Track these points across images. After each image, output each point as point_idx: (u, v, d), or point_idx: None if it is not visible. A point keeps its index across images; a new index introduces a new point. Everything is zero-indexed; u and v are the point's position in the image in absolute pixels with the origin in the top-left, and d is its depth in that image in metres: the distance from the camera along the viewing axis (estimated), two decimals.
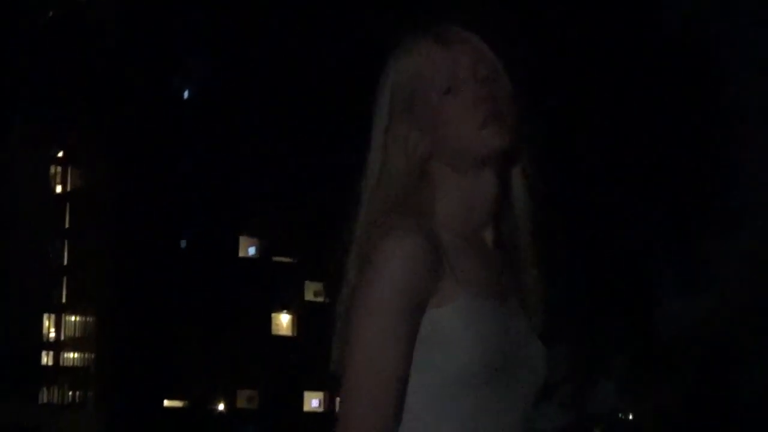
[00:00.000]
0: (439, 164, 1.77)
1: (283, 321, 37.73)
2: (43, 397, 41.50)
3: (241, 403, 36.65)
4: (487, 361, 1.66)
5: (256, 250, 36.13)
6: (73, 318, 42.40)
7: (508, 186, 1.83)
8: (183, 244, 34.72)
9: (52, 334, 43.67)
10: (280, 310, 37.28)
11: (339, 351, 1.69)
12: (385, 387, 1.61)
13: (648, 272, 20.84)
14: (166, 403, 36.75)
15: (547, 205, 1.88)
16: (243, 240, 35.98)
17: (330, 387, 36.66)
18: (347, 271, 1.73)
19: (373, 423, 1.61)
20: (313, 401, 37.58)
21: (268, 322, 37.14)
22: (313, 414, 37.11)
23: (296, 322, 37.45)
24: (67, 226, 42.23)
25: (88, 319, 40.62)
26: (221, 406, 36.54)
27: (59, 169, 43.10)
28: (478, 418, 1.69)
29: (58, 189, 43.06)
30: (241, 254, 36.09)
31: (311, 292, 36.10)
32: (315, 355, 36.10)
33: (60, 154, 42.17)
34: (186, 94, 34.61)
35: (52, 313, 42.98)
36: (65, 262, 42.11)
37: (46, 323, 43.39)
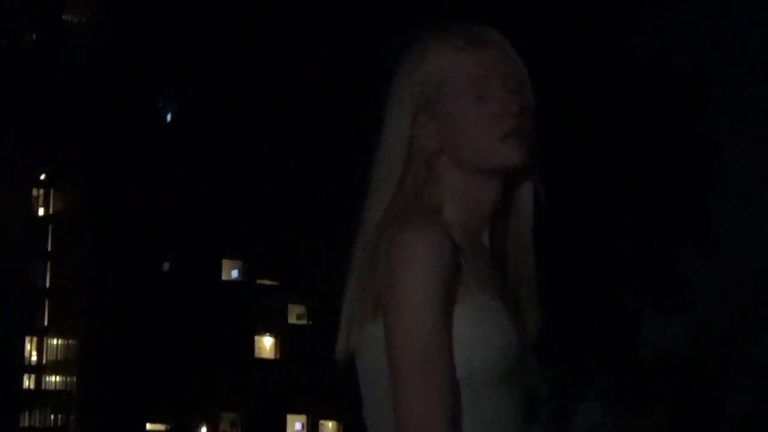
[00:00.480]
0: (447, 161, 1.78)
1: (266, 344, 37.65)
2: (25, 420, 41.27)
3: (224, 426, 36.52)
4: (500, 360, 1.66)
5: (239, 272, 36.06)
6: (55, 341, 42.18)
7: (512, 196, 1.84)
8: (166, 266, 34.63)
9: (34, 357, 43.46)
10: (263, 333, 37.21)
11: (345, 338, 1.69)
12: (448, 381, 1.61)
13: (630, 293, 20.90)
14: (149, 426, 36.60)
15: (546, 223, 1.91)
16: (226, 263, 35.92)
17: (313, 410, 36.57)
18: (356, 265, 1.71)
19: (447, 418, 1.58)
20: (296, 424, 37.48)
21: (251, 345, 37.06)
22: None
23: (279, 345, 37.37)
24: (49, 248, 42.08)
25: (70, 342, 40.39)
26: (204, 430, 36.41)
27: (41, 191, 42.98)
28: (498, 417, 1.68)
29: (41, 212, 42.93)
30: (224, 277, 36.02)
31: (294, 315, 36.08)
32: (298, 378, 36.05)
33: (42, 177, 42.08)
34: (168, 117, 34.59)
35: (34, 335, 42.77)
36: (47, 285, 41.95)
37: (28, 346, 43.18)
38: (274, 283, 35.10)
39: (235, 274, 36.06)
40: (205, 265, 34.67)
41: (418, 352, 1.60)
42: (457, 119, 1.76)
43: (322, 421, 37.30)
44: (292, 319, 36.13)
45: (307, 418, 37.02)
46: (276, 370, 36.09)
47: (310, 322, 34.28)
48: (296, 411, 36.63)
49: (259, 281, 35.60)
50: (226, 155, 34.27)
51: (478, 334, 1.65)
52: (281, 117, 30.79)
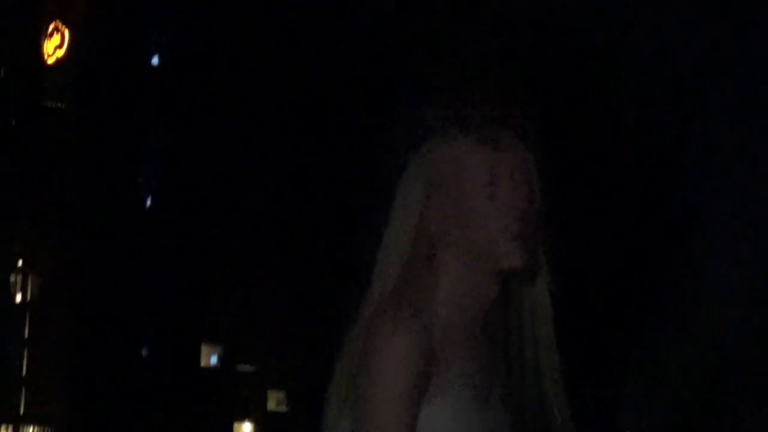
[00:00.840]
0: (450, 252, 1.77)
1: (245, 431, 37.29)
2: None
3: None
4: None
5: (218, 358, 35.86)
6: (31, 429, 41.73)
7: (522, 292, 1.83)
8: (144, 352, 34.40)
9: None
10: (242, 419, 36.86)
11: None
12: None
13: (606, 373, 20.87)
14: None
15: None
16: (205, 348, 35.71)
17: None
18: (345, 349, 1.74)
19: None
20: None
21: None
22: None
23: None
24: (26, 335, 41.73)
25: (46, 430, 39.97)
26: None
27: (19, 277, 42.75)
28: None
29: (18, 298, 42.66)
30: (202, 363, 35.79)
31: (274, 400, 35.77)
32: None
33: (20, 263, 41.94)
34: (148, 203, 34.61)
35: (10, 423, 42.30)
36: (24, 373, 41.54)
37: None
38: (253, 369, 34.84)
39: (213, 360, 35.83)
40: (183, 351, 34.43)
41: None
42: (466, 214, 1.76)
43: None
44: (271, 405, 35.85)
45: None
46: None
47: (290, 409, 33.95)
48: None
49: (239, 367, 35.37)
50: (204, 239, 34.31)
51: None
52: (262, 213, 30.93)
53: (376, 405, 1.61)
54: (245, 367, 35.23)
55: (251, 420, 36.91)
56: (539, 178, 1.82)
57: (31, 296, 42.22)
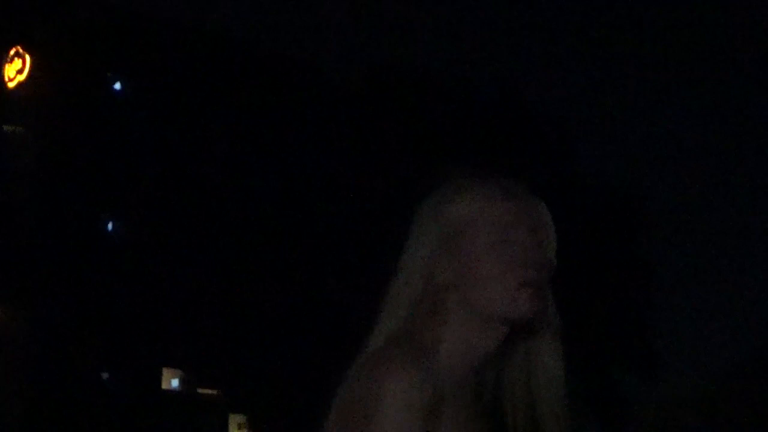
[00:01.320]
0: (456, 300, 1.74)
1: None
2: None
3: None
4: None
5: (180, 382, 35.85)
6: None
7: (528, 349, 1.78)
8: (105, 376, 34.38)
9: None
10: None
11: None
12: None
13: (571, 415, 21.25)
14: None
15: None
16: (166, 372, 35.68)
17: None
18: (341, 393, 1.66)
19: None
20: None
21: None
22: None
23: None
24: None
25: None
26: None
27: None
28: None
29: None
30: (164, 386, 35.75)
31: (235, 424, 35.82)
32: None
33: None
34: (109, 227, 34.61)
35: None
36: None
37: None
38: (215, 392, 34.87)
39: (175, 383, 35.81)
40: (145, 374, 34.41)
41: None
42: (477, 258, 1.73)
43: None
44: (233, 429, 35.89)
45: None
46: None
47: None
48: None
49: (201, 390, 35.37)
50: (162, 267, 34.32)
51: None
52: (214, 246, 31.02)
53: None
54: (207, 391, 35.24)
55: None
56: (552, 226, 1.78)
57: None
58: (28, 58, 35.38)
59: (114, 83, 34.74)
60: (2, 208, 35.02)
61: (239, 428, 35.68)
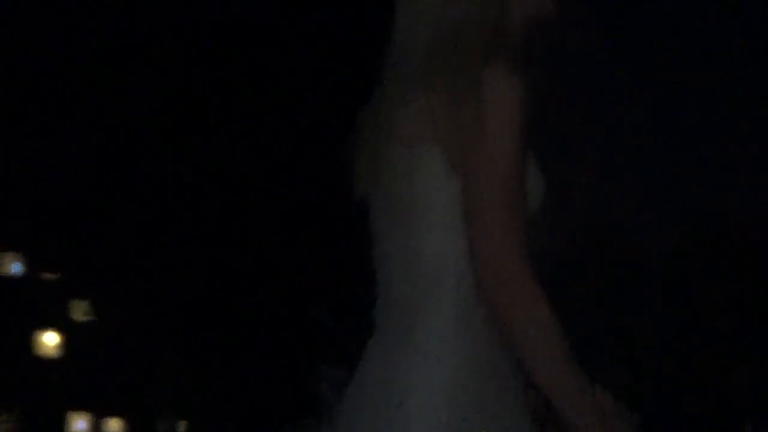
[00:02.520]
0: None
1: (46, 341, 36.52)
2: None
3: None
4: None
5: (20, 267, 34.84)
6: None
7: None
8: None
9: None
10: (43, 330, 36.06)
11: None
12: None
13: None
14: None
15: None
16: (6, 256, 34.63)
17: (97, 409, 35.53)
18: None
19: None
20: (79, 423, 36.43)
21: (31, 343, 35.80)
22: None
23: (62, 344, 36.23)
24: None
25: None
26: None
27: None
28: None
29: None
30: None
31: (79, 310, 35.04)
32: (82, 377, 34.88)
33: None
34: None
35: None
36: None
37: None
38: (56, 276, 33.86)
39: (16, 268, 34.83)
40: None
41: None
42: None
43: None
44: (77, 316, 35.11)
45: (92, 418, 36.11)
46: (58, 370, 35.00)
47: (96, 318, 33.23)
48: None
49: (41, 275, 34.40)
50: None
51: None
52: None
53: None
54: (48, 276, 34.28)
55: (54, 330, 36.15)
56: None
57: None
58: None
59: None
60: None
61: (85, 316, 34.82)
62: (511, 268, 1.65)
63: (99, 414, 36.07)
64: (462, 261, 1.74)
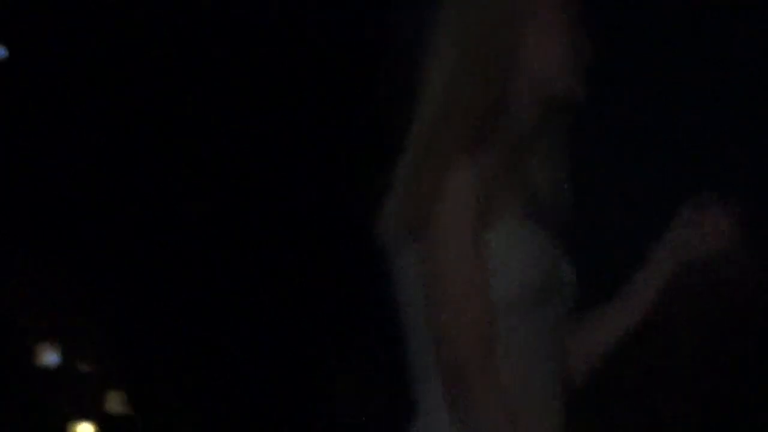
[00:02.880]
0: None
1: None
2: None
3: None
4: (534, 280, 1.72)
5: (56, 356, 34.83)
6: None
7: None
8: None
9: None
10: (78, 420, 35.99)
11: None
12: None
13: None
14: None
15: None
16: (41, 345, 34.62)
17: None
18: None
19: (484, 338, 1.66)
20: None
21: None
22: None
23: None
24: None
25: None
26: None
27: None
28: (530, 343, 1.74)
29: None
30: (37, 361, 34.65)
31: (113, 401, 35.01)
32: None
33: None
34: None
35: None
36: None
37: None
38: (92, 367, 33.89)
39: (52, 358, 34.81)
40: (16, 348, 33.41)
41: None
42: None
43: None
44: (110, 406, 35.00)
45: None
46: None
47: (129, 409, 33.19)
48: None
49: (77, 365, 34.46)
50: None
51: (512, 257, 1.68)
52: None
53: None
54: (84, 366, 34.31)
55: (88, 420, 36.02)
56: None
57: None
58: None
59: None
60: None
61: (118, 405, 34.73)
62: (471, 370, 1.60)
63: None
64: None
